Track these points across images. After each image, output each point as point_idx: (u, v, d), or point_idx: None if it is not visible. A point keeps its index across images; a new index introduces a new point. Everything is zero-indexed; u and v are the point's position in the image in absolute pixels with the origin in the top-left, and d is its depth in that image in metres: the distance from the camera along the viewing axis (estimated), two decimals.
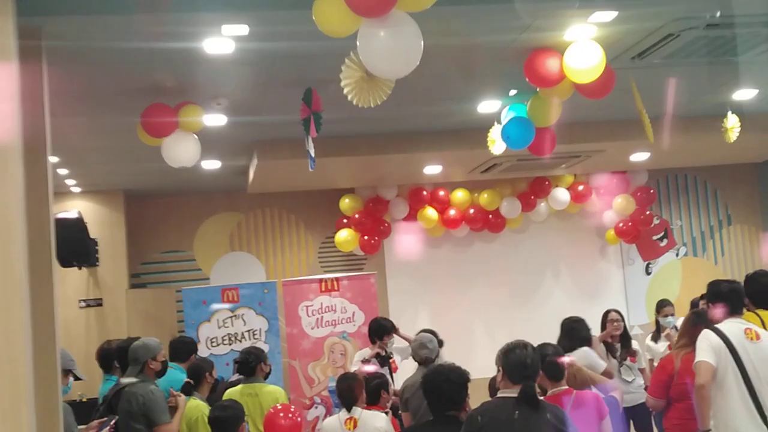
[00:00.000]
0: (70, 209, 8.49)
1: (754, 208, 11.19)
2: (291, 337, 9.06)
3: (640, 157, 9.34)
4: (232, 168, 8.75)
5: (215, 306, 8.84)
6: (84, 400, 7.94)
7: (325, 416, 8.31)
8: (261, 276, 10.10)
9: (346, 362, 8.81)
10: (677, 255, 11.07)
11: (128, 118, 5.77)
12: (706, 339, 4.47)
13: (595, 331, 6.10)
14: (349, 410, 4.94)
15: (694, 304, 6.75)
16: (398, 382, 6.45)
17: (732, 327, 4.50)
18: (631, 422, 6.74)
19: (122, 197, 9.61)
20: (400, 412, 5.74)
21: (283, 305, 9.15)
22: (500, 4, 4.58)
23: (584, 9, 4.70)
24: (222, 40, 4.75)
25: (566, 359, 4.42)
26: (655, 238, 10.90)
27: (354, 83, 3.94)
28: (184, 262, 10.13)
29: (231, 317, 8.90)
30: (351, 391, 5.00)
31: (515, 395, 3.65)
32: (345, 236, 9.88)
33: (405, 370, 6.85)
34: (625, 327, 6.99)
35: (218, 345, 8.80)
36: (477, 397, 4.09)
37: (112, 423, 4.67)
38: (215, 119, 6.46)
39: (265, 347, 8.11)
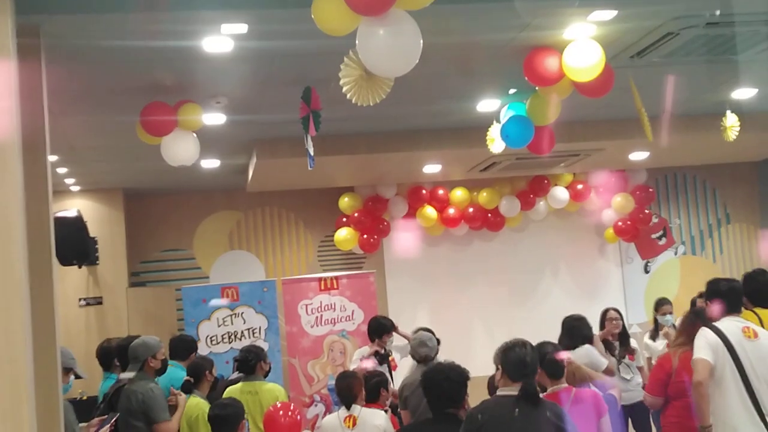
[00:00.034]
0: (70, 208, 8.47)
1: (752, 206, 11.20)
2: (290, 335, 9.07)
3: (639, 155, 9.34)
4: (232, 167, 8.75)
5: (214, 302, 8.85)
6: (84, 398, 7.95)
7: (325, 414, 8.29)
8: (260, 274, 10.10)
9: (345, 360, 8.82)
10: (676, 253, 11.08)
11: (127, 116, 5.78)
12: (704, 337, 4.48)
13: (594, 329, 6.11)
14: (348, 408, 4.95)
15: (693, 303, 6.77)
16: (396, 380, 6.46)
17: (730, 325, 4.51)
18: (630, 420, 6.76)
19: (122, 196, 9.61)
20: (399, 410, 5.74)
21: (283, 304, 9.16)
22: (499, 2, 4.59)
23: (584, 7, 4.70)
24: (221, 39, 4.75)
25: (565, 355, 4.43)
26: (653, 236, 10.91)
27: (353, 82, 3.94)
28: (184, 260, 10.14)
29: (231, 315, 8.90)
30: (350, 389, 5.00)
31: (515, 393, 3.66)
32: (344, 235, 9.88)
33: (400, 368, 6.87)
34: (623, 325, 6.99)
35: (218, 343, 8.81)
36: (476, 396, 4.10)
37: (112, 421, 4.67)
38: (214, 118, 6.46)
39: (265, 345, 8.10)
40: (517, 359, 3.73)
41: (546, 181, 10.09)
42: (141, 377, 5.09)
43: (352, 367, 6.70)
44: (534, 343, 3.97)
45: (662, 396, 5.01)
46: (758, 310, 4.80)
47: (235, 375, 5.91)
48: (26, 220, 3.34)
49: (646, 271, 10.97)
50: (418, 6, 3.52)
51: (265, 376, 5.68)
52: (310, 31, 3.76)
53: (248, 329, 8.90)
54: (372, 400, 5.22)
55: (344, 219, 10.00)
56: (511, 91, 6.17)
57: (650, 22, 5.04)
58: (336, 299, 9.15)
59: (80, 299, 9.29)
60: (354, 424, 4.86)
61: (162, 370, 5.28)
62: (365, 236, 9.91)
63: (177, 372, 5.81)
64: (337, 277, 9.25)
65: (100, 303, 9.35)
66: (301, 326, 9.07)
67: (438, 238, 10.41)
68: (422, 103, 6.67)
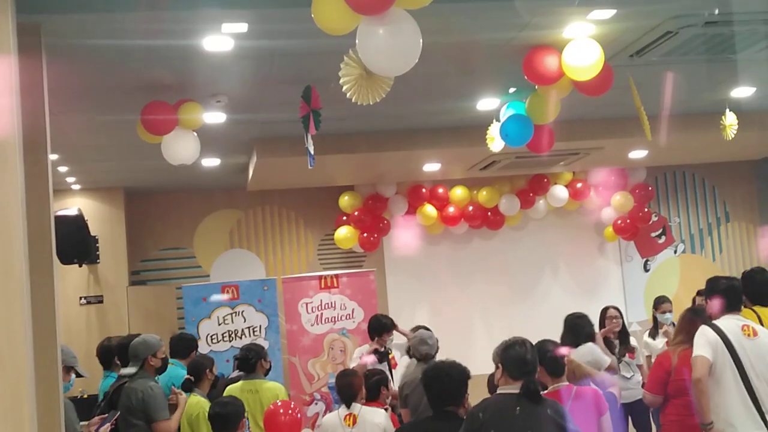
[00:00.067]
0: (70, 206, 8.50)
1: (752, 205, 11.21)
2: (291, 333, 9.08)
3: (638, 154, 9.35)
4: (232, 165, 8.76)
5: (214, 297, 8.87)
6: (85, 396, 7.96)
7: (325, 412, 8.32)
8: (261, 273, 10.11)
9: (345, 359, 8.83)
10: (675, 252, 11.09)
11: (128, 115, 5.78)
12: (704, 335, 4.50)
13: (594, 328, 6.11)
14: (348, 407, 4.96)
15: (695, 303, 6.77)
16: (396, 378, 6.46)
17: (729, 323, 4.52)
18: (630, 418, 6.77)
19: (122, 194, 9.62)
20: (399, 409, 5.75)
21: (283, 302, 9.17)
22: (499, 1, 4.60)
23: (583, 6, 4.71)
24: (221, 38, 4.76)
25: (564, 350, 4.43)
26: (653, 235, 10.93)
27: (353, 81, 3.94)
28: (184, 259, 10.15)
29: (231, 314, 8.92)
30: (350, 388, 5.01)
31: (516, 391, 3.66)
32: (344, 233, 9.89)
33: (401, 367, 6.87)
34: (623, 324, 7.00)
35: (218, 342, 8.83)
36: (476, 394, 4.11)
37: (113, 419, 4.68)
38: (215, 117, 6.46)
39: (265, 344, 8.11)
40: (517, 357, 3.73)
41: (545, 180, 10.10)
42: (141, 376, 5.10)
43: (352, 365, 6.71)
44: (534, 342, 3.98)
45: (661, 394, 5.01)
46: (757, 309, 4.82)
47: (236, 373, 5.92)
48: (27, 219, 3.34)
49: (646, 270, 10.98)
50: (418, 5, 3.52)
51: (266, 374, 5.69)
52: (310, 31, 3.77)
53: (248, 328, 8.92)
54: (372, 399, 5.23)
55: (344, 217, 10.01)
56: (511, 89, 6.17)
57: (649, 21, 5.05)
58: (336, 297, 9.17)
59: (81, 298, 9.30)
60: (354, 422, 4.87)
61: (162, 369, 5.29)
62: (365, 235, 9.92)
63: (177, 370, 5.82)
64: (337, 276, 9.26)
65: (101, 301, 9.36)
66: (301, 325, 9.08)
67: (438, 237, 10.42)
68: (422, 102, 6.67)
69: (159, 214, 10.10)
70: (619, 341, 6.88)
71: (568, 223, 10.74)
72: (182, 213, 10.14)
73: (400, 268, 10.36)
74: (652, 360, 6.69)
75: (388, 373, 6.32)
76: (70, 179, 8.90)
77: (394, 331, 7.07)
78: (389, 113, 6.68)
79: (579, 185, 10.25)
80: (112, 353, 6.23)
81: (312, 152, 5.30)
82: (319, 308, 9.12)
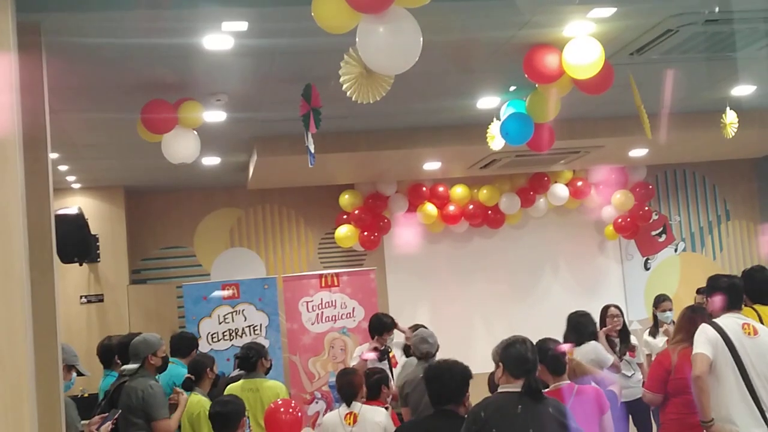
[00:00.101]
0: (71, 205, 8.49)
1: (752, 203, 11.20)
2: (291, 332, 9.09)
3: (638, 152, 9.34)
4: (232, 164, 8.76)
5: (215, 293, 8.88)
6: (85, 395, 7.97)
7: (326, 411, 8.33)
8: (261, 272, 10.11)
9: (346, 357, 8.83)
10: (676, 250, 11.09)
11: (128, 114, 5.78)
12: (704, 333, 4.50)
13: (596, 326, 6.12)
14: (349, 405, 4.95)
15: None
16: (396, 377, 6.45)
17: (729, 322, 4.52)
18: (630, 417, 6.76)
19: (122, 193, 9.62)
20: (400, 407, 5.74)
21: (284, 301, 9.17)
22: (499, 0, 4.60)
23: (583, 5, 4.71)
24: (221, 36, 4.75)
25: (565, 347, 4.43)
26: (653, 233, 10.93)
27: (353, 79, 3.94)
28: (185, 257, 10.15)
29: (231, 313, 8.92)
30: (351, 386, 5.01)
31: (517, 390, 3.66)
32: (345, 232, 9.89)
33: (401, 366, 6.86)
34: (624, 322, 7.00)
35: (219, 340, 8.83)
36: (476, 393, 4.10)
37: (113, 418, 4.68)
38: (215, 115, 6.46)
39: (266, 342, 8.13)
40: (518, 356, 3.72)
41: (546, 178, 10.10)
42: (142, 374, 5.10)
43: (352, 363, 6.71)
44: (534, 340, 3.98)
45: (661, 393, 5.01)
46: (757, 307, 4.81)
47: (236, 372, 5.92)
48: (27, 218, 3.34)
49: (646, 268, 10.98)
50: (418, 3, 3.52)
51: (266, 373, 5.69)
52: (310, 29, 3.77)
53: (249, 326, 8.92)
54: (373, 397, 5.22)
55: (345, 216, 10.01)
56: (511, 88, 6.17)
57: (649, 19, 5.04)
58: (337, 296, 9.17)
59: (81, 297, 9.30)
60: (354, 420, 4.87)
61: (163, 368, 5.29)
62: (366, 233, 9.92)
63: (178, 369, 5.83)
64: (337, 274, 9.27)
65: (101, 300, 9.36)
66: (301, 323, 9.08)
67: (438, 235, 10.42)
68: (422, 101, 6.67)
69: (159, 213, 10.10)
70: (620, 340, 6.88)
71: (568, 222, 10.74)
72: (182, 212, 10.14)
73: (401, 267, 10.36)
74: (653, 358, 6.69)
75: (388, 371, 6.32)
76: (71, 178, 8.90)
77: (395, 330, 7.07)
78: (389, 112, 6.68)
79: (579, 184, 10.25)
80: (113, 352, 6.23)
81: (312, 151, 5.30)
82: (320, 307, 9.13)
